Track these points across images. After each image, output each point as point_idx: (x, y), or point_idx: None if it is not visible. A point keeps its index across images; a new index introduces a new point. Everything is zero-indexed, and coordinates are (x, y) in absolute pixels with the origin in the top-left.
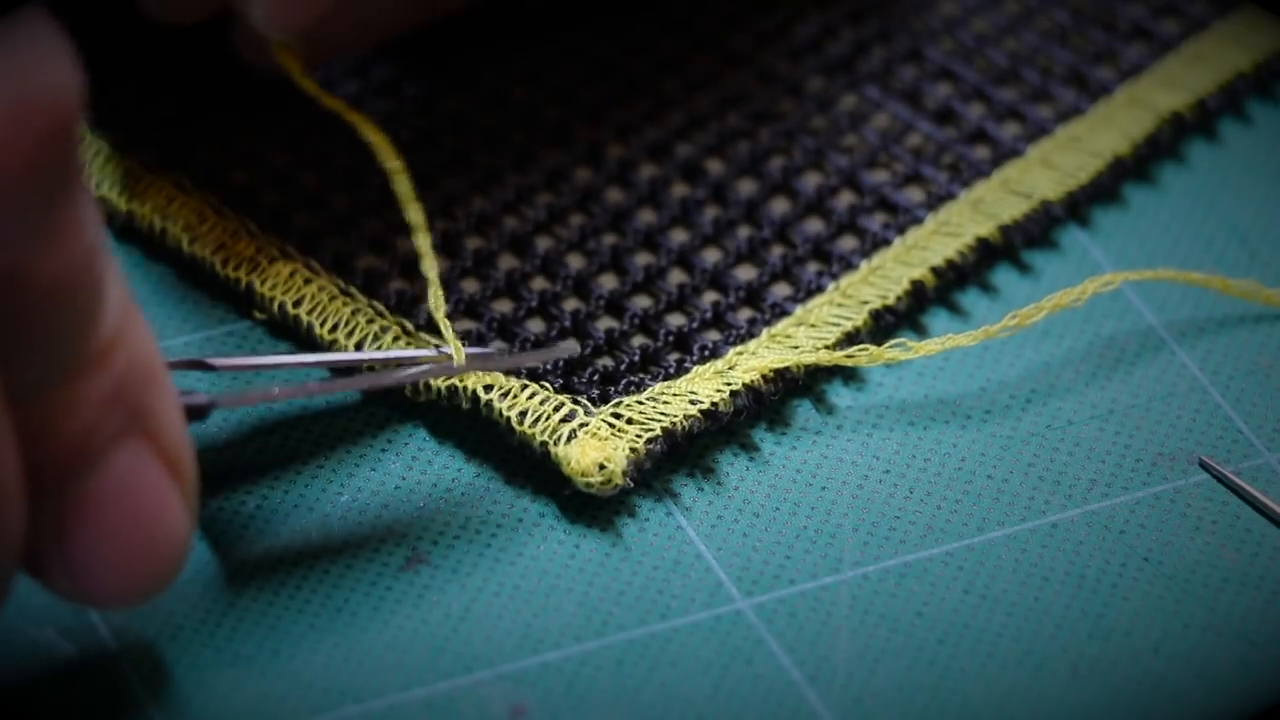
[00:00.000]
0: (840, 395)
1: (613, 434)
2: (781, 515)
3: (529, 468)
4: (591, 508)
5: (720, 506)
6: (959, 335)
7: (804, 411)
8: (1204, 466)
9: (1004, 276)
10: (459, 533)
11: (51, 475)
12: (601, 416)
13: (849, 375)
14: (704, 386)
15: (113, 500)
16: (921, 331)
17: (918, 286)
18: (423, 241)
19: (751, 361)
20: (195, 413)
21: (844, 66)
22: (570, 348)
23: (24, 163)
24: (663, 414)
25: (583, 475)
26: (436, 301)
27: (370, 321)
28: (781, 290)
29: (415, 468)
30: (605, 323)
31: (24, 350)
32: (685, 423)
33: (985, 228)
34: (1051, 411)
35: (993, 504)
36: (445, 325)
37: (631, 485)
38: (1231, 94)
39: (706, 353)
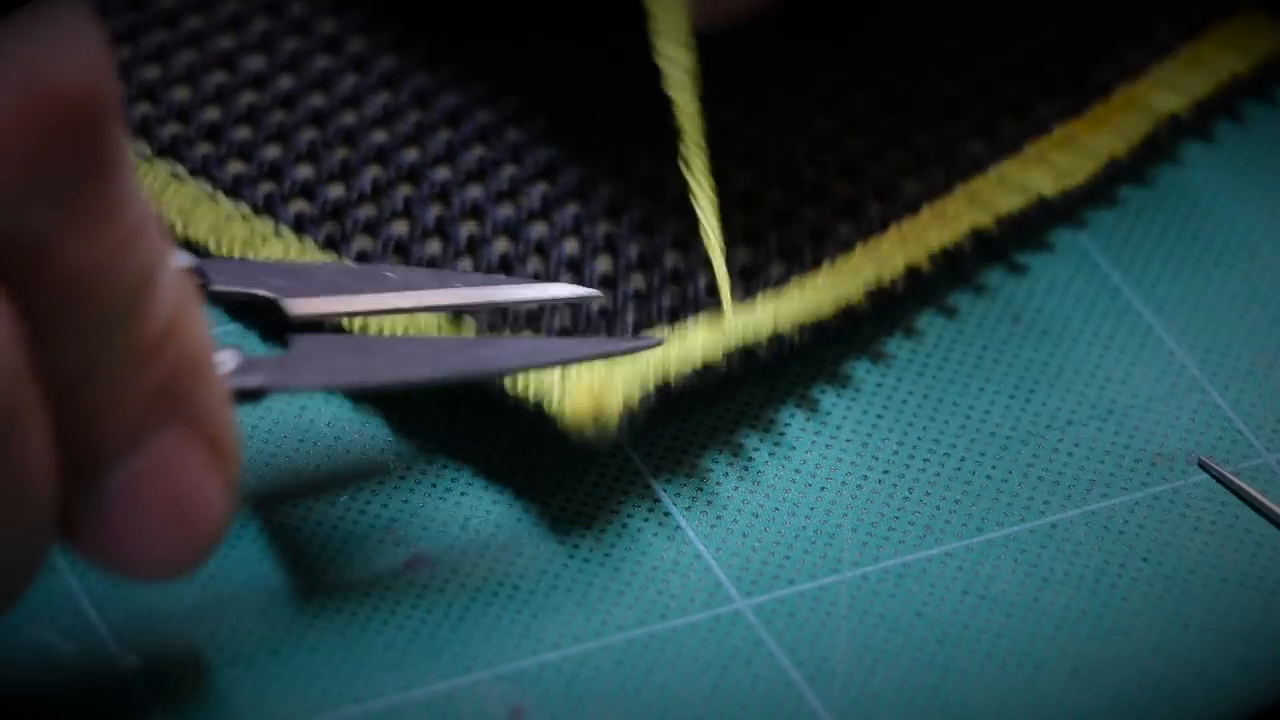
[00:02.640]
0: (839, 395)
1: (606, 387)
2: (780, 516)
3: (529, 468)
4: (591, 508)
5: (719, 507)
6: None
7: (802, 412)
8: (1203, 467)
9: (1001, 279)
10: (459, 533)
11: (92, 460)
12: (594, 377)
13: (847, 375)
14: (698, 349)
15: (151, 483)
16: (916, 334)
17: (912, 269)
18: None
19: (745, 322)
20: (248, 396)
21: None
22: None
23: (33, 146)
24: (658, 372)
25: (577, 424)
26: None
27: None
28: (778, 269)
29: (415, 468)
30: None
31: (64, 339)
32: (678, 377)
33: (981, 218)
34: (1051, 411)
35: (992, 504)
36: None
37: (624, 434)
38: (1229, 97)
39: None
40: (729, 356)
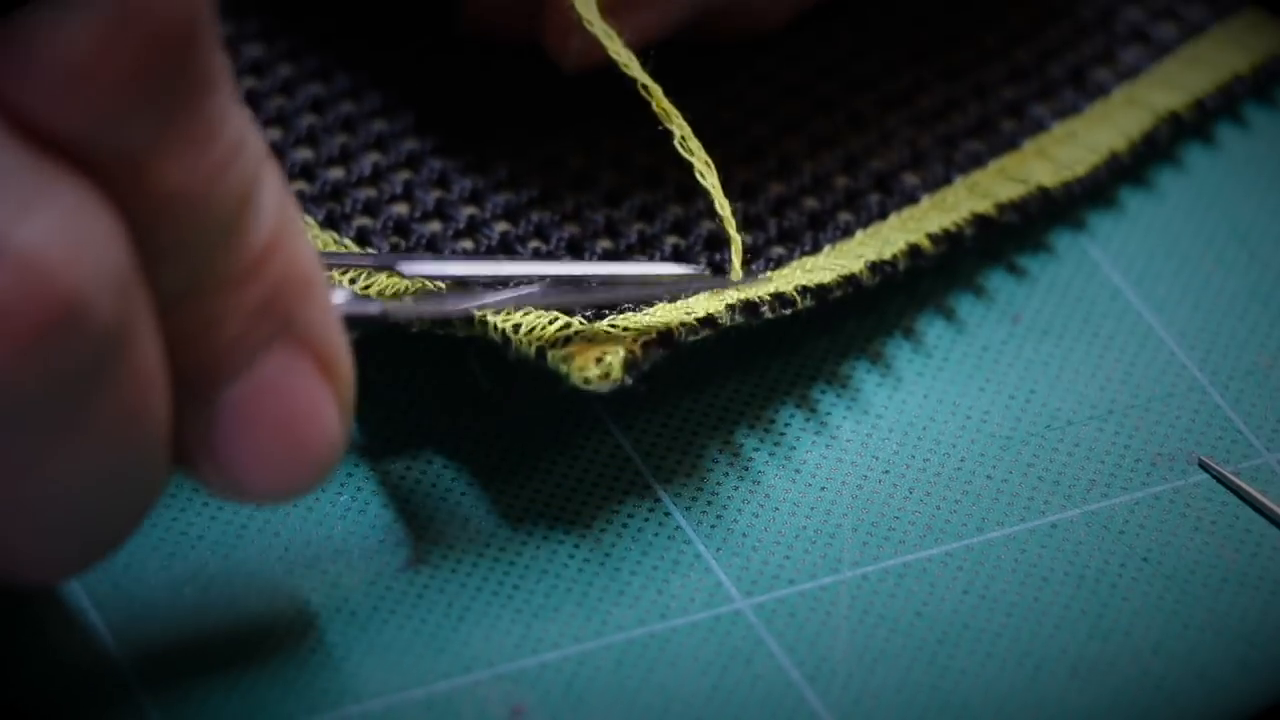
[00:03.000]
0: (839, 396)
1: (610, 339)
2: (781, 515)
3: (529, 468)
4: (591, 508)
5: (719, 507)
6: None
7: (803, 412)
8: (1203, 466)
9: (1001, 280)
10: (459, 533)
11: (201, 380)
12: (598, 326)
13: (847, 376)
14: (701, 304)
15: (263, 401)
16: (916, 335)
17: (914, 248)
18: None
19: (746, 289)
20: (365, 322)
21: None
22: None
23: (129, 64)
24: (660, 322)
25: (581, 372)
26: (726, 214)
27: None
28: (778, 251)
29: (415, 468)
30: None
31: (166, 256)
32: (681, 329)
33: (981, 205)
34: (1051, 411)
35: (992, 504)
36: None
37: (630, 383)
38: (1229, 96)
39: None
40: (731, 308)
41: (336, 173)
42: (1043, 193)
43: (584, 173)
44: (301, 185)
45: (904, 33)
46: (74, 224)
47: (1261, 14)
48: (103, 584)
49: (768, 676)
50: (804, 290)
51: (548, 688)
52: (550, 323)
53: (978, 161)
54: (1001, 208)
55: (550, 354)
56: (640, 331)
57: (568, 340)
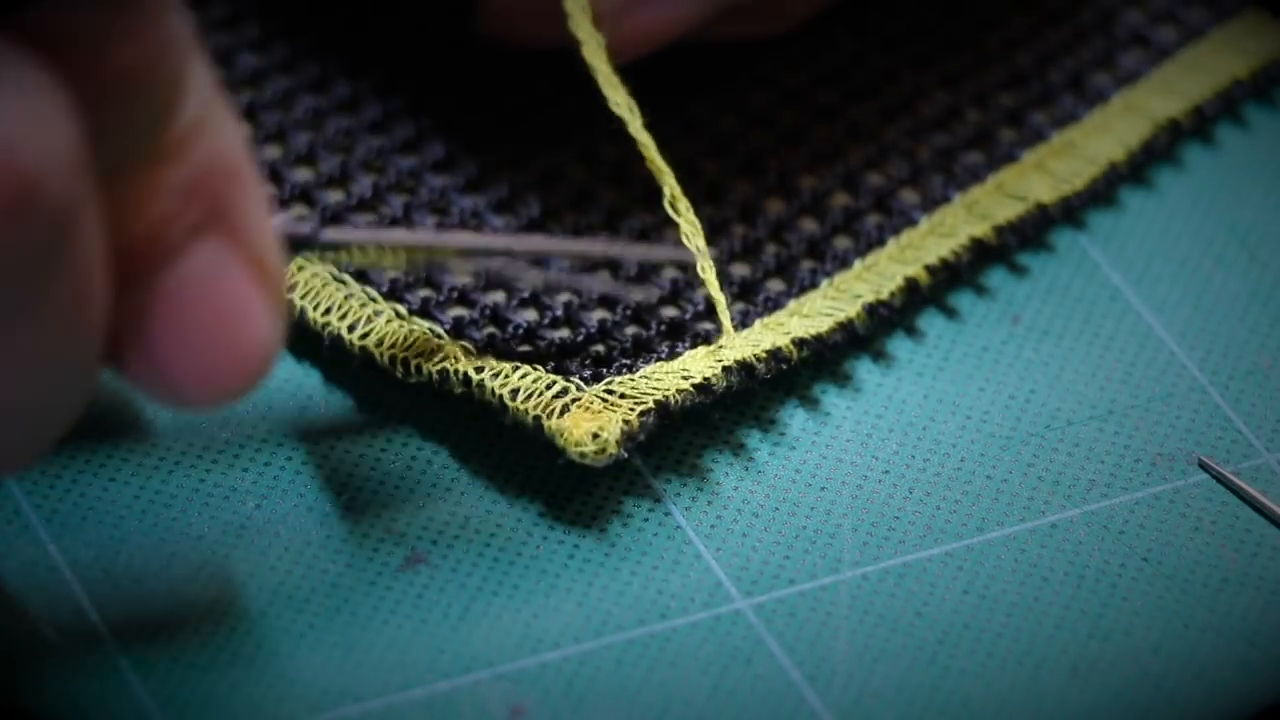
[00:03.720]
0: (839, 396)
1: (606, 408)
2: (781, 515)
3: (529, 468)
4: (591, 508)
5: (719, 507)
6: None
7: (803, 412)
8: (1203, 467)
9: (1001, 279)
10: (459, 533)
11: (129, 265)
12: (594, 393)
13: (848, 375)
14: (696, 364)
15: (191, 294)
16: (916, 334)
17: (911, 283)
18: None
19: (743, 343)
20: (297, 243)
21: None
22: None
23: None
24: (655, 389)
25: (576, 446)
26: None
27: (363, 306)
28: (775, 285)
29: (415, 468)
30: (599, 314)
31: (102, 133)
32: (678, 396)
33: (979, 228)
34: (1051, 411)
35: (992, 504)
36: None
37: (625, 456)
38: (1229, 100)
39: (699, 340)
40: (729, 372)
41: (336, 196)
42: (1041, 210)
43: (584, 188)
44: (301, 210)
45: (904, 37)
46: (30, 104)
47: (1262, 16)
48: (103, 584)
49: (768, 676)
50: (801, 342)
51: (548, 688)
52: (548, 388)
53: (976, 176)
54: (999, 230)
55: (546, 425)
56: (636, 401)
57: (564, 409)
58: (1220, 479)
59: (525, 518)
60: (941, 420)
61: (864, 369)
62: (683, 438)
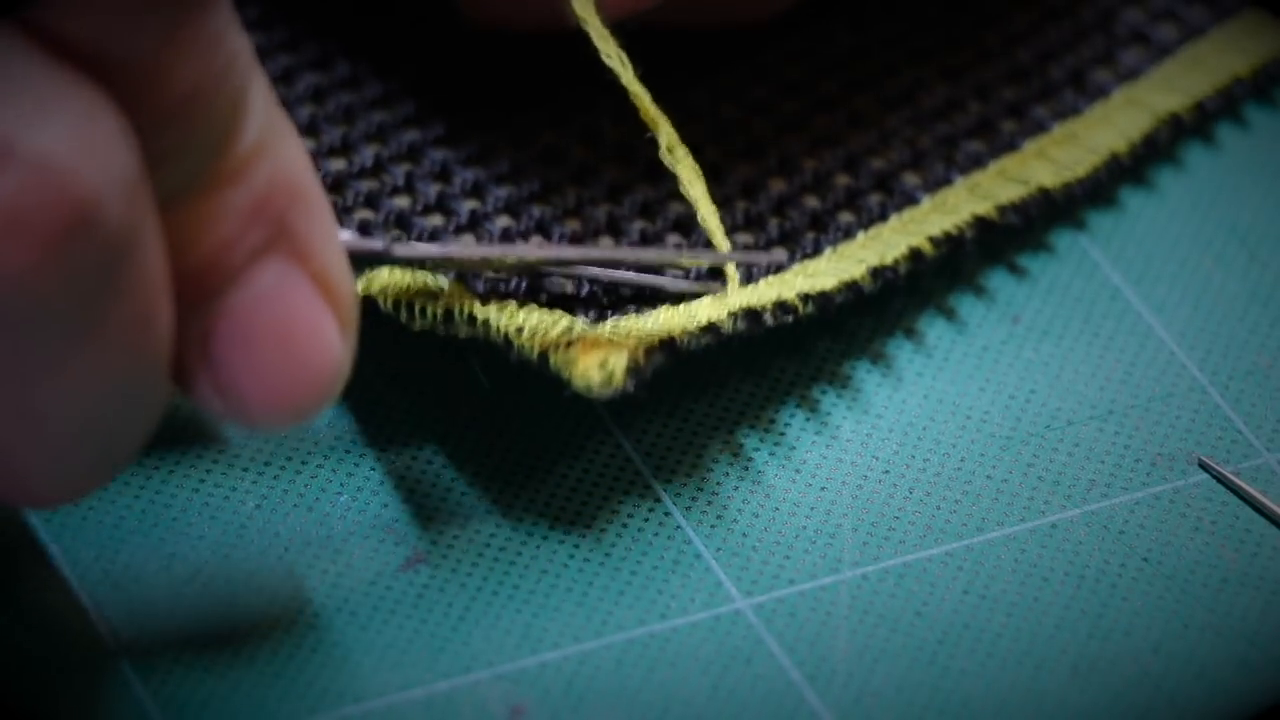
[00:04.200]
0: (839, 395)
1: (613, 343)
2: (781, 515)
3: (529, 468)
4: (591, 508)
5: (719, 507)
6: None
7: (803, 411)
8: (1203, 466)
9: (1001, 280)
10: (459, 533)
11: (195, 288)
12: (602, 331)
13: (848, 375)
14: (704, 311)
15: (259, 316)
16: (916, 335)
17: (915, 252)
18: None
19: (749, 292)
20: (368, 259)
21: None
22: (779, 256)
23: None
24: (663, 328)
25: (583, 376)
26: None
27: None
28: (779, 254)
29: (415, 468)
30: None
31: (161, 158)
32: (685, 336)
33: (982, 206)
34: (1051, 411)
35: (992, 504)
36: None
37: (632, 389)
38: (1229, 98)
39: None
40: (734, 316)
41: (338, 164)
42: (1043, 194)
43: (586, 164)
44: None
45: (904, 33)
46: (86, 129)
47: (1262, 15)
48: (103, 584)
49: (768, 676)
50: (806, 297)
51: (548, 688)
52: (553, 324)
53: (978, 162)
54: (1002, 209)
55: (553, 357)
56: (643, 337)
57: (570, 344)
58: (1220, 479)
59: (525, 518)
60: (941, 420)
61: (863, 369)
62: (683, 438)
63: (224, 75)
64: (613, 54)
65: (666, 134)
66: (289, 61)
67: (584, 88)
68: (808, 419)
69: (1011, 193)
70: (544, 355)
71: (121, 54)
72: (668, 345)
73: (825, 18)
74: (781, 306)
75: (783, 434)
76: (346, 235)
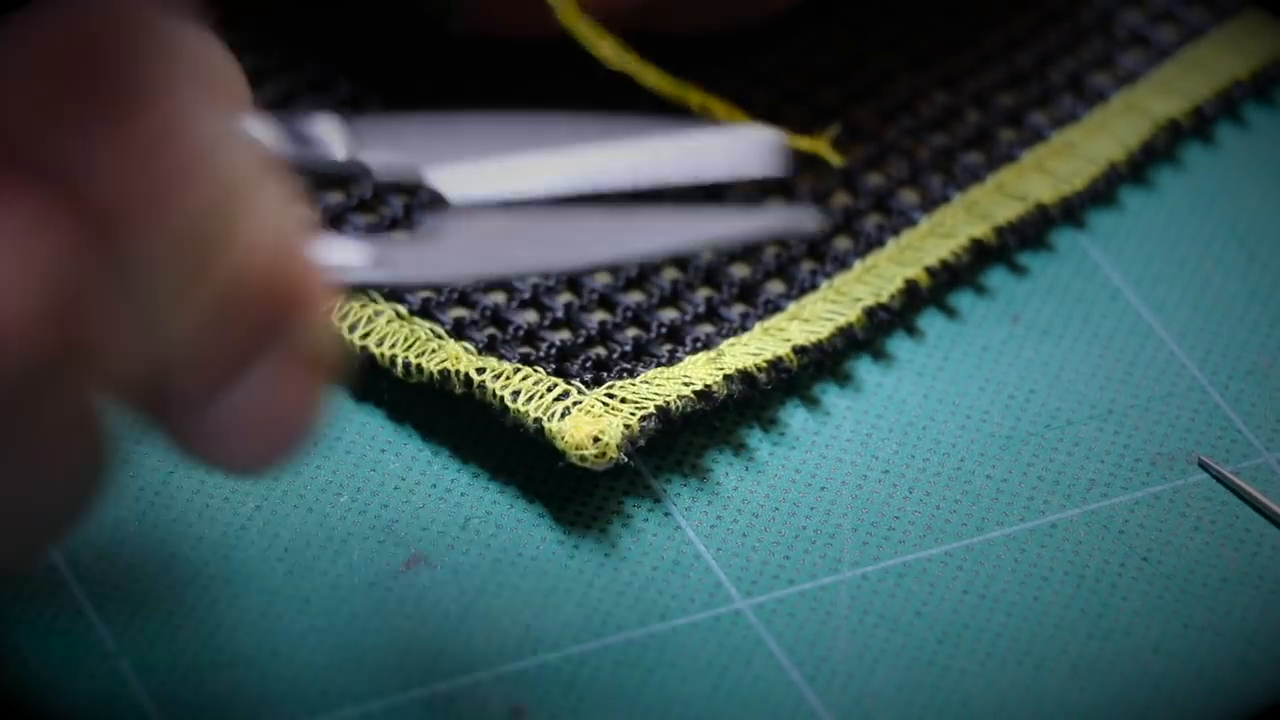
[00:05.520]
0: (839, 395)
1: (607, 411)
2: (780, 515)
3: (529, 468)
4: (591, 508)
5: (719, 507)
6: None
7: (802, 412)
8: (1203, 466)
9: (1001, 279)
10: (459, 533)
11: (190, 388)
12: (595, 396)
13: (848, 375)
14: (697, 371)
15: (251, 409)
16: (916, 334)
17: (911, 285)
18: None
19: (744, 350)
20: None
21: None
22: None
23: (53, 74)
24: (656, 394)
25: (577, 449)
26: None
27: (364, 306)
28: (775, 287)
29: (415, 468)
30: (598, 315)
31: (133, 271)
32: (679, 402)
33: (979, 229)
34: (1051, 411)
35: (992, 504)
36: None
37: (626, 460)
38: (1229, 100)
39: (699, 344)
40: (730, 380)
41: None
42: (1041, 210)
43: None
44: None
45: (903, 38)
46: (10, 248)
47: (1262, 16)
48: (103, 584)
49: (768, 676)
50: (801, 350)
51: (548, 688)
52: (548, 390)
53: (976, 176)
54: (1000, 231)
55: (547, 427)
56: (637, 406)
57: (565, 413)
58: (1220, 479)
59: (525, 518)
60: (941, 420)
61: (864, 368)
62: (683, 438)
63: (167, 189)
64: (608, 53)
65: (696, 96)
66: (290, 81)
67: (581, 93)
68: (808, 418)
69: (1009, 211)
70: (538, 424)
71: (44, 160)
72: (662, 413)
73: (823, 20)
74: (776, 366)
75: (782, 434)
76: (332, 257)
